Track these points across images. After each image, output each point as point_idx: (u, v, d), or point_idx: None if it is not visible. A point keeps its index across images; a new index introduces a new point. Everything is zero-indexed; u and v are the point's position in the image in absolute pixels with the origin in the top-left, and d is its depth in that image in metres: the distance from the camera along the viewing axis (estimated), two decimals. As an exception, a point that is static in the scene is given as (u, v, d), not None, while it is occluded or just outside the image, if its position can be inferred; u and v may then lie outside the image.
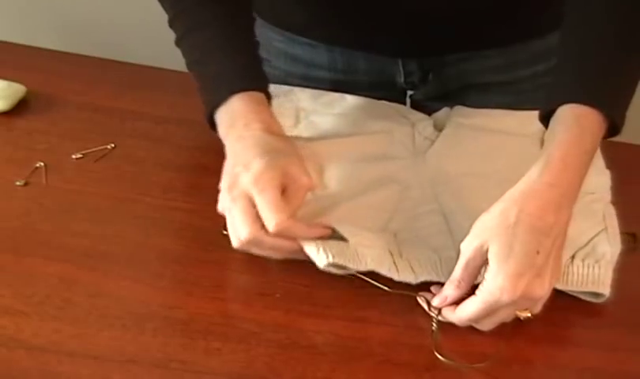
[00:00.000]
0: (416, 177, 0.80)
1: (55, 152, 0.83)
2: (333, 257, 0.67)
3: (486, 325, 0.65)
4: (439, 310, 0.66)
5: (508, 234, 0.63)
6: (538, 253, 0.63)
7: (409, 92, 0.99)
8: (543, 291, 0.64)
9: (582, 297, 0.70)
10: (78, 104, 0.92)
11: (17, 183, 0.79)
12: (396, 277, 0.68)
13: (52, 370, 0.60)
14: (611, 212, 0.76)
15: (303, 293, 0.69)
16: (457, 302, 0.66)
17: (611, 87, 0.70)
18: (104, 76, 0.98)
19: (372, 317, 0.67)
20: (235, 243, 0.68)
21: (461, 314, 0.65)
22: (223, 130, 0.75)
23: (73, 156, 0.83)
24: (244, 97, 0.74)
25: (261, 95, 0.76)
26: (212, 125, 0.76)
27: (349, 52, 0.95)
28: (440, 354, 0.64)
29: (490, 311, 0.64)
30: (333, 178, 0.79)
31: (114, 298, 0.67)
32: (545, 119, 0.72)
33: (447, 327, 0.66)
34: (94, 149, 0.84)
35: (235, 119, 0.74)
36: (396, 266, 0.69)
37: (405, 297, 0.68)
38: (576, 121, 0.68)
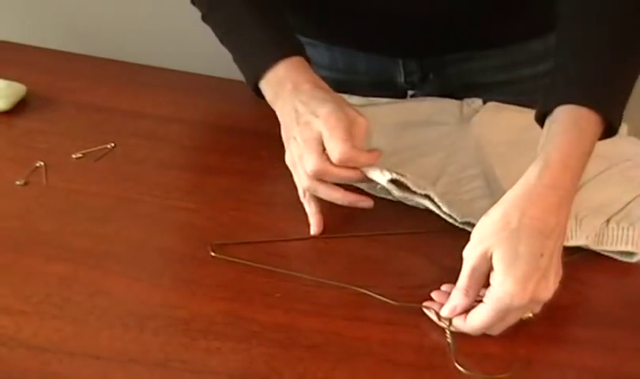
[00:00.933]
0: (462, 141, 0.81)
1: (55, 152, 0.83)
2: (393, 173, 0.70)
3: (496, 330, 0.65)
4: (450, 321, 0.66)
5: (512, 239, 0.63)
6: (542, 255, 0.63)
7: (410, 92, 1.00)
8: (548, 293, 0.64)
9: (616, 257, 0.71)
10: (78, 104, 0.92)
11: (17, 183, 0.79)
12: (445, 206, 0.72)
13: (52, 370, 0.60)
14: None
15: (303, 292, 0.69)
16: (467, 311, 0.65)
17: (609, 88, 0.70)
18: (105, 75, 0.98)
19: (372, 317, 0.67)
20: (303, 182, 0.73)
21: (472, 323, 0.65)
22: (271, 94, 0.78)
23: (74, 156, 0.83)
24: (288, 63, 0.77)
25: (302, 60, 0.79)
26: (257, 93, 0.79)
27: (350, 52, 0.95)
28: (460, 365, 0.63)
29: (501, 317, 0.64)
30: (380, 144, 0.79)
31: (114, 297, 0.67)
32: (541, 119, 0.72)
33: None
34: (94, 149, 0.84)
35: (282, 84, 0.76)
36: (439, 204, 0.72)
37: (404, 297, 0.68)
38: (575, 122, 0.68)
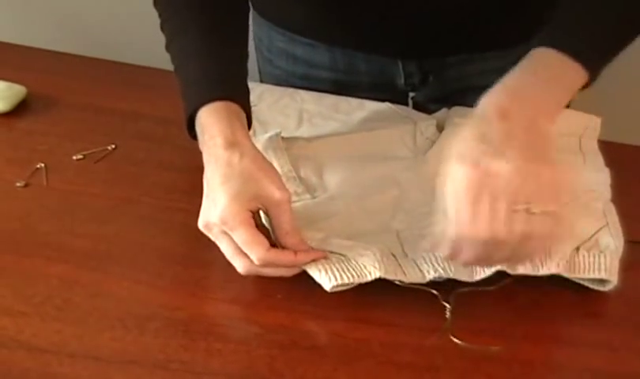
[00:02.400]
0: (417, 177, 0.80)
1: (56, 153, 0.83)
2: (336, 277, 0.66)
3: (498, 253, 0.63)
4: (449, 302, 0.67)
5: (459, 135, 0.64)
6: (485, 138, 0.62)
7: (411, 94, 0.99)
8: (504, 168, 0.61)
9: (589, 285, 0.70)
10: (79, 105, 0.92)
11: (18, 184, 0.79)
12: (405, 279, 0.68)
13: (53, 371, 0.60)
14: (612, 209, 0.76)
15: (304, 294, 0.69)
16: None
17: (582, 33, 0.70)
18: (105, 76, 0.98)
19: (373, 318, 0.67)
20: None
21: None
22: (200, 144, 0.72)
23: (74, 157, 0.83)
24: (209, 108, 0.71)
25: (227, 105, 0.71)
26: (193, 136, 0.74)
27: (350, 52, 0.95)
28: (455, 337, 0.65)
29: (475, 211, 0.62)
30: (334, 179, 0.79)
31: (114, 298, 0.67)
32: None
33: (448, 333, 0.67)
34: (94, 150, 0.84)
35: (202, 133, 0.71)
36: (402, 268, 0.69)
37: (406, 297, 0.68)
38: (532, 56, 0.69)
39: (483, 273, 0.68)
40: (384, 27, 0.88)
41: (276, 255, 0.66)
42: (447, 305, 0.67)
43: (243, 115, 0.73)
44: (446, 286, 0.68)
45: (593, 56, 0.70)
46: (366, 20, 0.88)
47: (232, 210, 0.65)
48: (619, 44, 0.72)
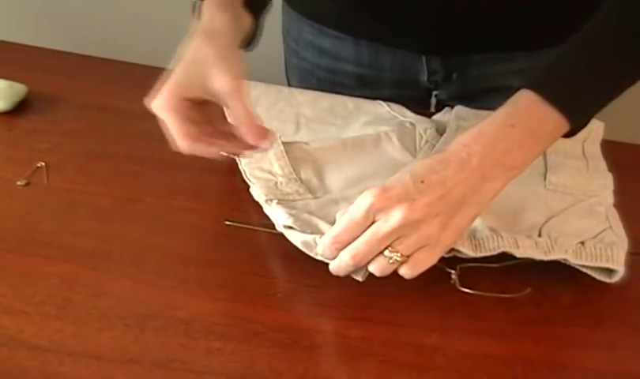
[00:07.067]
0: None
1: (56, 152, 0.83)
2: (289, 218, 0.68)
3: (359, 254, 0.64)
4: (456, 267, 0.68)
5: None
6: (423, 182, 0.63)
7: (434, 92, 0.99)
8: (410, 214, 0.62)
9: (596, 276, 0.70)
10: (80, 104, 0.92)
11: (18, 183, 0.79)
12: None
13: (53, 370, 0.60)
14: (615, 214, 0.76)
15: (304, 293, 0.69)
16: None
17: (560, 76, 0.69)
18: (106, 75, 0.98)
19: (373, 317, 0.67)
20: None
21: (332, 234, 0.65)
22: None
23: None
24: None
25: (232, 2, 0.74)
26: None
27: (375, 46, 0.95)
28: (464, 287, 0.68)
29: (354, 227, 0.63)
30: (335, 182, 0.79)
31: (115, 297, 0.67)
32: None
33: (449, 333, 0.66)
34: (94, 149, 0.84)
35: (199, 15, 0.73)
36: None
37: (407, 296, 0.68)
38: (514, 100, 0.69)
39: (486, 251, 0.69)
40: (411, 20, 0.88)
41: (197, 147, 0.69)
42: (452, 271, 0.68)
43: (246, 19, 0.74)
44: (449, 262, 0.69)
45: (578, 110, 0.69)
46: (393, 13, 0.88)
47: (165, 97, 0.68)
48: (607, 99, 0.71)
